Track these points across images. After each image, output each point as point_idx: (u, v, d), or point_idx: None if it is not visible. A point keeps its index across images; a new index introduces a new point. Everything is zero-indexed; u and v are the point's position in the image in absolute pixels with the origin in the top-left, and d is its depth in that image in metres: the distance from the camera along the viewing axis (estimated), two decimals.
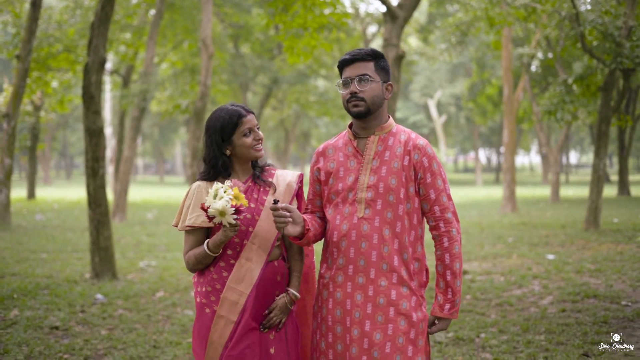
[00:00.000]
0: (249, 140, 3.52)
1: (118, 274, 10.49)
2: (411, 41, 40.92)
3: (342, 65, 3.52)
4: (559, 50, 19.15)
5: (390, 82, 3.54)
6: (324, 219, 3.64)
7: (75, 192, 38.68)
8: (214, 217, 3.26)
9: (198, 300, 3.54)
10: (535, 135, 53.09)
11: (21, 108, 26.76)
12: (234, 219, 3.25)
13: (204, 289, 3.51)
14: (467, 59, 44.20)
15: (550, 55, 24.47)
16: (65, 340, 6.84)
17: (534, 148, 75.56)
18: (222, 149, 3.54)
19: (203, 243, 3.52)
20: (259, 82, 34.64)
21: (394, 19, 10.28)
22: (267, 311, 3.52)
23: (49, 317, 7.76)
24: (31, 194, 31.92)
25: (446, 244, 3.43)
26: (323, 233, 3.61)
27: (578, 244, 13.28)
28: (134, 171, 76.35)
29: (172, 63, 28.48)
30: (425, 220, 3.53)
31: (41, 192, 39.27)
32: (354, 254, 3.41)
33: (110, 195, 28.03)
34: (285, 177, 3.69)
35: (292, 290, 3.59)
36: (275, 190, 3.59)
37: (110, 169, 31.47)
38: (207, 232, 3.57)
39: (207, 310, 3.49)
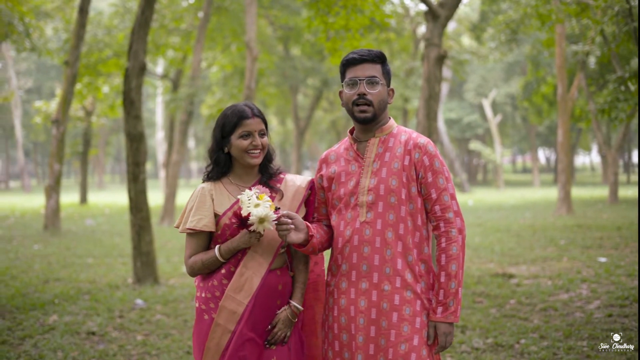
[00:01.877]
0: (244, 143, 3.42)
1: (160, 278, 10.49)
2: (464, 40, 40.44)
3: (348, 64, 3.40)
4: (614, 46, 18.65)
5: (392, 88, 3.47)
6: (331, 227, 3.54)
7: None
8: (250, 225, 3.22)
9: (197, 305, 3.47)
10: (594, 134, 52.09)
11: (73, 114, 27.20)
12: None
13: (204, 295, 3.45)
14: (522, 58, 43.50)
15: (606, 51, 23.89)
16: (101, 346, 6.83)
17: (595, 148, 74.15)
18: (221, 145, 3.48)
19: (205, 247, 3.48)
20: (309, 84, 34.60)
21: (435, 18, 10.05)
22: (270, 326, 3.43)
23: (87, 322, 7.78)
24: (83, 199, 32.37)
25: (444, 245, 3.30)
26: (330, 241, 3.52)
27: (632, 246, 12.88)
28: (188, 175, 77.16)
29: (221, 66, 28.61)
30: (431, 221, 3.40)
31: (94, 197, 39.85)
32: (356, 259, 3.34)
33: (161, 199, 28.25)
34: (294, 182, 3.59)
35: (294, 303, 3.48)
36: (282, 197, 3.50)
37: (162, 173, 31.76)
38: (210, 237, 3.49)
39: (206, 317, 3.42)
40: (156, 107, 44.09)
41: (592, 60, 26.69)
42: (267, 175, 3.55)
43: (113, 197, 41.23)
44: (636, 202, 26.90)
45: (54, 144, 18.03)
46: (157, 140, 41.46)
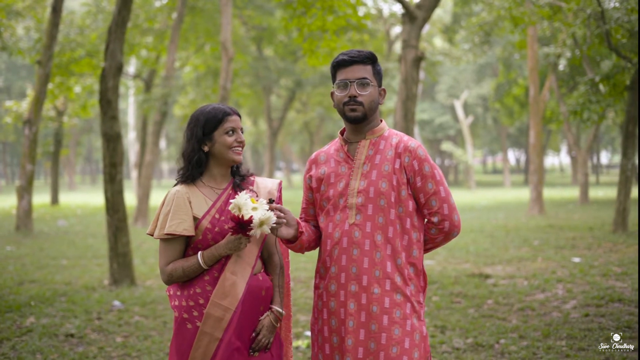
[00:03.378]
0: (230, 139, 3.37)
1: (137, 280, 10.43)
2: (436, 42, 40.65)
3: (339, 66, 3.39)
4: (585, 49, 18.86)
5: (383, 88, 3.45)
6: (318, 228, 3.53)
7: (99, 198, 38.81)
8: (250, 230, 3.15)
9: (177, 315, 3.36)
10: (564, 135, 52.54)
11: (44, 114, 26.93)
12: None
13: (185, 304, 3.33)
14: (493, 59, 43.80)
15: (577, 53, 24.13)
16: (80, 348, 6.78)
17: (564, 149, 74.85)
18: (202, 143, 3.39)
19: (182, 253, 3.37)
20: (282, 85, 34.60)
21: (412, 19, 10.12)
22: (254, 334, 3.38)
23: (65, 324, 7.71)
24: (55, 200, 32.05)
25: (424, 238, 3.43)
26: (317, 241, 3.51)
27: (605, 246, 13.03)
28: (159, 176, 76.74)
29: (194, 67, 28.50)
30: (423, 223, 3.42)
31: (65, 198, 39.50)
32: (345, 262, 3.31)
33: (134, 200, 28.10)
34: (265, 184, 3.56)
35: (276, 308, 3.45)
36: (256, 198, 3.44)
37: (134, 174, 31.55)
38: (186, 242, 3.39)
39: (189, 326, 3.31)
40: (128, 107, 43.81)
41: (562, 63, 26.94)
42: (239, 178, 3.50)
43: (84, 197, 40.91)
44: (606, 202, 27.21)
45: (26, 144, 17.84)
46: (129, 141, 41.22)
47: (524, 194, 36.17)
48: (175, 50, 20.89)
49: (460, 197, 36.60)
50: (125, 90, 32.33)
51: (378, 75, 3.41)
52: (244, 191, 3.27)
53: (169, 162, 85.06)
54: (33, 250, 14.41)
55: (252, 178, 3.56)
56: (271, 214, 3.15)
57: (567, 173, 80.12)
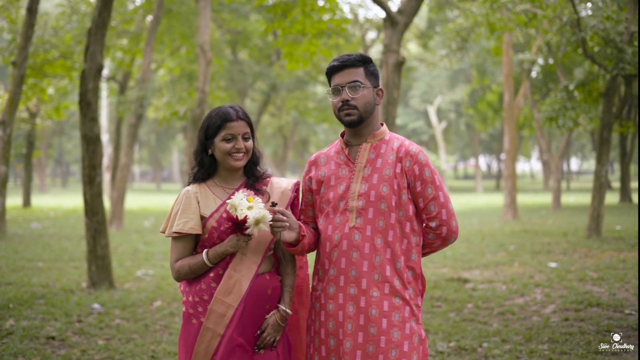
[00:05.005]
0: (227, 146, 3.41)
1: (115, 283, 10.36)
2: (411, 47, 40.85)
3: (331, 72, 3.43)
4: (560, 56, 19.05)
5: (380, 87, 3.46)
6: (317, 230, 3.54)
7: (72, 200, 38.51)
8: (247, 229, 3.20)
9: (185, 310, 3.43)
10: (536, 141, 53.01)
11: (17, 115, 26.65)
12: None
13: (191, 299, 3.41)
14: (467, 65, 44.10)
15: (551, 61, 24.37)
16: (62, 351, 6.73)
17: (535, 155, 75.50)
18: (205, 147, 3.46)
19: (191, 251, 3.44)
20: (257, 89, 34.57)
21: (394, 24, 10.18)
22: (259, 331, 3.42)
23: (45, 327, 7.64)
24: (27, 202, 31.70)
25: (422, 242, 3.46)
26: (316, 243, 3.52)
27: (580, 251, 13.16)
28: (131, 179, 76.13)
29: (169, 69, 28.38)
30: (422, 227, 3.44)
31: (37, 200, 39.08)
32: (345, 265, 3.33)
33: (107, 203, 27.90)
34: (280, 185, 3.59)
35: (282, 307, 3.47)
36: (268, 199, 3.48)
37: (106, 177, 31.33)
38: (195, 240, 3.45)
39: (194, 321, 3.38)
40: (101, 109, 43.55)
41: (535, 70, 27.22)
42: (253, 178, 3.54)
43: (57, 200, 40.52)
44: (578, 208, 27.48)
45: (0, 146, 17.65)
46: (103, 143, 40.92)
47: (497, 199, 36.45)
48: (152, 53, 20.80)
49: None
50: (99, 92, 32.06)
51: (372, 75, 3.42)
52: (240, 190, 3.32)
53: (141, 165, 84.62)
54: (7, 253, 14.25)
55: (267, 179, 3.60)
56: (266, 212, 3.18)
57: (538, 179, 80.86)
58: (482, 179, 71.47)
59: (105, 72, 28.13)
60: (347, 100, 3.34)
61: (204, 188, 3.47)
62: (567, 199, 36.05)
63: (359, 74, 3.37)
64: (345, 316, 3.31)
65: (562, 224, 20.08)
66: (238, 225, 3.22)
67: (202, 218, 3.39)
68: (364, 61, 3.40)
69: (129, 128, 21.40)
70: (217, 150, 3.43)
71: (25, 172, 31.67)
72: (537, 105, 26.53)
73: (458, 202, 35.48)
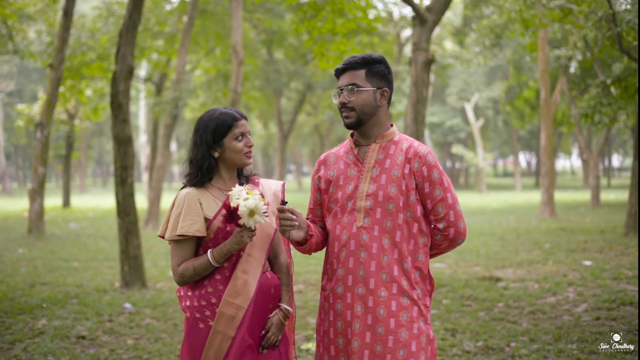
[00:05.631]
0: (240, 144, 3.41)
1: (148, 282, 10.47)
2: (446, 44, 40.61)
3: (337, 74, 3.47)
4: (596, 51, 18.79)
5: (385, 88, 3.42)
6: (325, 229, 3.55)
7: (110, 200, 38.89)
8: (239, 219, 3.18)
9: (189, 315, 3.40)
10: (575, 138, 52.35)
11: (56, 117, 27.06)
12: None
13: (196, 304, 3.37)
14: (504, 62, 43.72)
15: (588, 56, 24.05)
16: (91, 350, 6.81)
17: (575, 151, 74.57)
18: (211, 150, 3.42)
19: (193, 254, 3.41)
20: (292, 88, 34.63)
21: (423, 22, 10.11)
22: (263, 331, 3.43)
23: (77, 326, 7.75)
24: (66, 203, 32.15)
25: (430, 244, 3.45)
26: (324, 242, 3.53)
27: (617, 249, 12.98)
28: (170, 178, 76.87)
29: (205, 70, 28.56)
30: (430, 228, 3.43)
31: (76, 201, 39.62)
32: (353, 264, 3.33)
33: (145, 203, 28.15)
34: (270, 186, 3.61)
35: (284, 306, 3.49)
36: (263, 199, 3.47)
37: (145, 177, 31.61)
38: (197, 243, 3.43)
39: (202, 325, 3.36)
40: (139, 110, 43.94)
41: (573, 65, 26.85)
42: (244, 179, 3.56)
43: (96, 200, 41.03)
44: (617, 205, 27.10)
45: (38, 147, 17.94)
46: (140, 144, 41.32)
47: (535, 197, 36.06)
48: (186, 54, 20.94)
49: (470, 200, 36.53)
50: (136, 93, 32.44)
51: (376, 76, 3.40)
52: (244, 185, 3.35)
53: (180, 164, 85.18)
54: (45, 253, 14.47)
55: (256, 180, 3.61)
56: (260, 203, 3.16)
57: (579, 176, 79.86)
58: (522, 176, 70.89)
59: (142, 73, 28.44)
60: (344, 103, 3.37)
61: (203, 191, 3.44)
62: (607, 196, 35.56)
63: (358, 76, 3.37)
64: (354, 316, 3.31)
65: (600, 221, 19.82)
66: (231, 214, 3.22)
67: (206, 220, 3.37)
68: (365, 63, 3.38)
69: (165, 129, 21.59)
70: (227, 151, 3.41)
71: (64, 173, 32.11)
72: (574, 102, 26.19)
73: (495, 200, 35.23)
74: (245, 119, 3.49)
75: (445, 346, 6.62)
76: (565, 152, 68.51)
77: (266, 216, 3.23)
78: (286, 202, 3.27)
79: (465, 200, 36.55)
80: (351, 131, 3.53)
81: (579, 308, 8.06)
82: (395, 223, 3.30)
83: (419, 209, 3.34)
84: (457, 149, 48.23)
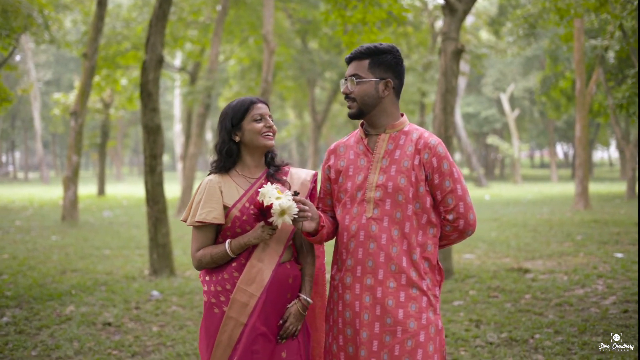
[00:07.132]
0: (259, 125, 3.44)
1: (176, 270, 10.55)
2: (482, 34, 40.25)
3: (347, 63, 3.47)
4: (632, 41, 18.50)
5: (389, 79, 3.37)
6: (335, 218, 3.54)
7: None
8: (270, 217, 3.21)
9: (206, 299, 3.45)
10: (613, 129, 51.70)
11: (91, 106, 27.34)
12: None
13: (213, 289, 3.42)
14: (540, 52, 43.21)
15: (625, 46, 23.68)
16: (117, 337, 6.89)
17: (613, 143, 73.59)
18: (231, 135, 3.47)
19: (213, 240, 3.46)
20: (326, 78, 34.55)
21: (452, 12, 10.03)
22: (281, 321, 3.44)
23: (104, 313, 7.84)
24: (101, 191, 32.50)
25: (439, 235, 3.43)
26: (334, 232, 3.52)
27: None
28: (205, 167, 77.18)
29: (239, 60, 28.63)
30: (440, 219, 3.40)
31: (112, 189, 40.01)
32: (362, 255, 3.32)
33: (180, 192, 28.37)
34: (299, 175, 3.61)
35: (303, 296, 3.49)
36: (289, 189, 3.48)
37: (179, 166, 31.83)
38: (217, 230, 3.47)
39: (216, 311, 3.40)
40: (174, 99, 44.23)
41: (611, 55, 26.47)
42: (273, 168, 3.56)
43: (131, 189, 41.40)
44: None
45: (72, 136, 18.15)
46: (175, 133, 41.63)
47: (571, 188, 35.70)
48: (219, 43, 21.01)
49: (505, 191, 36.25)
50: (171, 82, 32.57)
51: (379, 67, 3.37)
52: (275, 183, 3.34)
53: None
54: (77, 240, 14.65)
55: (286, 169, 3.61)
56: (293, 204, 3.18)
57: (617, 168, 78.82)
58: (559, 167, 70.13)
59: (177, 62, 28.59)
60: (347, 94, 3.38)
61: (226, 178, 3.48)
62: None
63: (361, 66, 3.36)
64: (362, 306, 3.31)
65: (635, 213, 19.54)
66: (262, 212, 3.26)
67: (225, 207, 3.40)
68: (370, 53, 3.36)
69: (198, 118, 21.71)
70: (247, 133, 3.45)
71: (100, 161, 32.46)
72: (611, 92, 25.83)
73: (530, 191, 34.92)
74: (265, 104, 3.53)
75: (468, 337, 6.59)
76: (603, 144, 67.66)
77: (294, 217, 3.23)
78: (298, 193, 3.27)
79: (500, 191, 36.30)
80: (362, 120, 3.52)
81: (607, 300, 7.98)
82: (404, 214, 3.29)
83: (428, 200, 3.32)
84: (492, 139, 47.88)
